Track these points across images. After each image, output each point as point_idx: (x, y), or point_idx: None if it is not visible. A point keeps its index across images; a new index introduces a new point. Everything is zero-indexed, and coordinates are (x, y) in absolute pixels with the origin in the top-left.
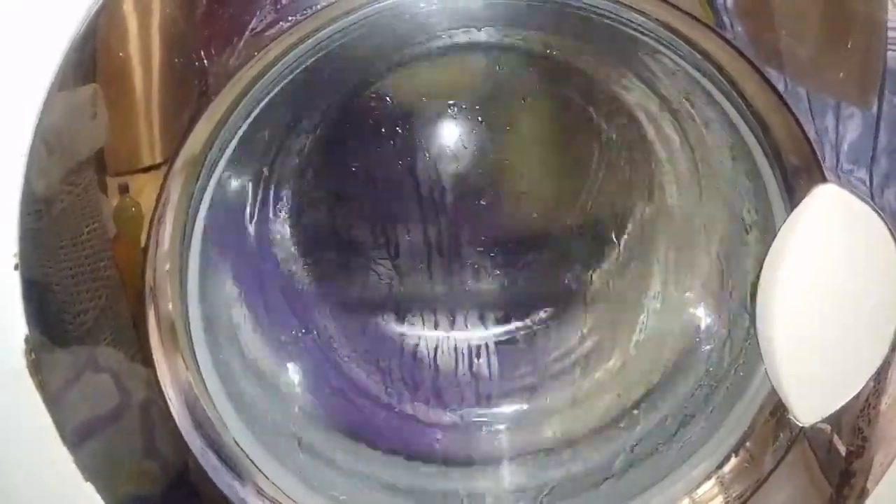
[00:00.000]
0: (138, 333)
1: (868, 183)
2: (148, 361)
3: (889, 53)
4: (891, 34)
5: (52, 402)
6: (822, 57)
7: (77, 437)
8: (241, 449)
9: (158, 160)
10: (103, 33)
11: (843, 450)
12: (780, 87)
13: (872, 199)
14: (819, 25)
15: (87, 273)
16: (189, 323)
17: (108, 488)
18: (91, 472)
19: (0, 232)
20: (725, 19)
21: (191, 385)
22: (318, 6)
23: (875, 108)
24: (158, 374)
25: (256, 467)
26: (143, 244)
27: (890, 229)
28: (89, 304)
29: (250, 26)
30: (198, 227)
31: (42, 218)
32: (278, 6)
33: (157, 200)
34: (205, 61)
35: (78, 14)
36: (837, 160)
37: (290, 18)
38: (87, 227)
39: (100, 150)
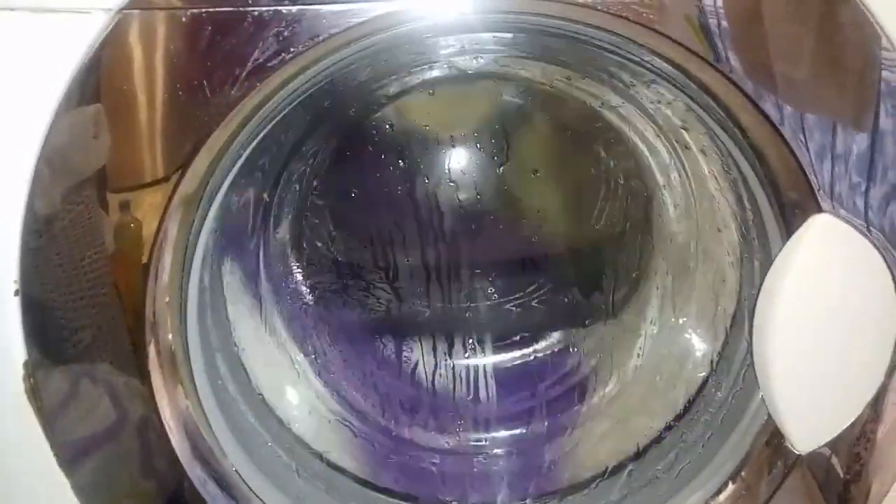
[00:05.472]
0: (136, 354)
1: (863, 212)
2: (144, 376)
3: (882, 85)
4: (886, 55)
5: (49, 421)
6: (816, 87)
7: (73, 457)
8: (239, 475)
9: (158, 198)
10: (107, 65)
11: (840, 473)
12: (775, 118)
13: (868, 228)
14: (812, 56)
15: (86, 290)
16: (188, 349)
17: None
18: (87, 492)
19: (1, 257)
20: (720, 51)
21: (189, 411)
22: (320, 37)
23: (869, 140)
24: (156, 398)
25: (254, 493)
26: (143, 261)
27: (885, 258)
28: (87, 322)
29: (253, 58)
30: (198, 255)
31: (42, 236)
32: (280, 38)
33: (158, 227)
34: (207, 92)
35: (82, 45)
36: (832, 190)
37: (292, 50)
38: (87, 246)
39: (101, 169)
